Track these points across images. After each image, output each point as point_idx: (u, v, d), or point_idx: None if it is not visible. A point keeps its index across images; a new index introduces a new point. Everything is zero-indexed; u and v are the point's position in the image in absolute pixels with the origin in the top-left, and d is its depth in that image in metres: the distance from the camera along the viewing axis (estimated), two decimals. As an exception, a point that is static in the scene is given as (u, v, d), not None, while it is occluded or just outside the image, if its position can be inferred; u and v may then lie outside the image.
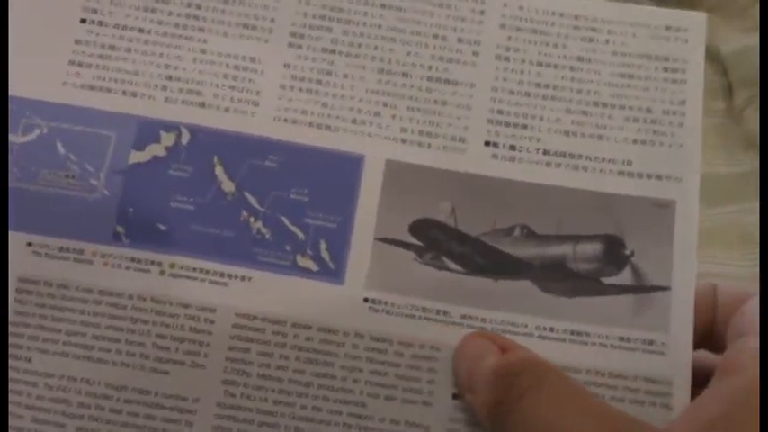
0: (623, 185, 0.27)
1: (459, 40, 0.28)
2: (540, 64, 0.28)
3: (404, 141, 0.27)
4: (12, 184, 0.26)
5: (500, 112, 0.28)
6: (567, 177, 0.27)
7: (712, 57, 0.47)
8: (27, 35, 0.28)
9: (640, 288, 0.25)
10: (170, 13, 0.28)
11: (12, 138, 0.26)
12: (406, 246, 0.27)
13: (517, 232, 0.27)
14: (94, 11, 0.28)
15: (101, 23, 0.28)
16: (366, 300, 0.26)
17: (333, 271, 0.26)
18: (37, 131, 0.26)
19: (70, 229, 0.26)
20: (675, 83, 0.28)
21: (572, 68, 0.28)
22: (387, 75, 0.28)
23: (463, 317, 0.26)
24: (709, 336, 0.25)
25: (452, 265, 0.27)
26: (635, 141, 0.27)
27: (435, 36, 0.28)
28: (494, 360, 0.24)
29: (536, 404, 0.22)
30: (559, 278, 0.26)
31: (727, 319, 0.24)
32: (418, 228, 0.27)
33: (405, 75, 0.28)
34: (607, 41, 0.28)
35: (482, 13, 0.29)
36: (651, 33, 0.28)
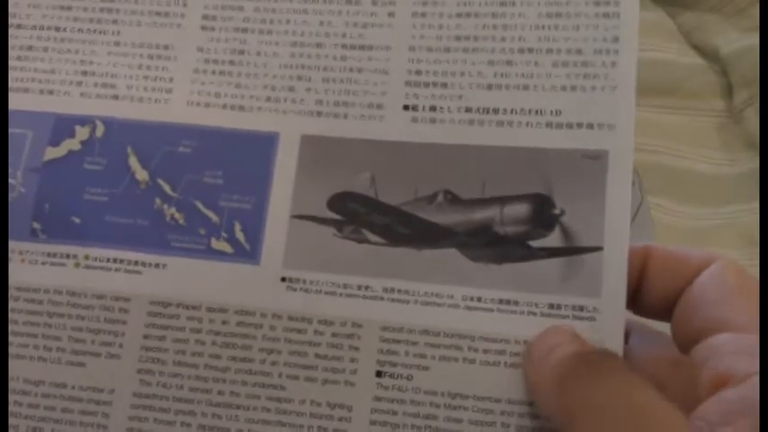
0: (552, 138, 0.27)
1: (374, 3, 0.29)
2: (459, 15, 0.29)
3: (319, 114, 0.28)
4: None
5: (418, 72, 0.28)
6: (491, 135, 0.27)
7: (712, 57, 0.49)
8: None
9: (570, 250, 0.26)
10: (85, 9, 0.31)
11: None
12: (324, 221, 0.28)
13: (440, 198, 0.27)
14: (12, 15, 0.31)
15: (18, 26, 0.31)
16: (283, 279, 0.27)
17: (248, 252, 0.27)
18: (-47, 135, 0.29)
19: None
20: (608, 17, 0.28)
21: (494, 15, 0.28)
22: (300, 47, 0.29)
23: (386, 290, 0.27)
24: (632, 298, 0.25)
25: (373, 238, 0.27)
26: (564, 88, 0.27)
27: (348, 2, 0.29)
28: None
29: None
30: (486, 244, 0.27)
31: (661, 284, 0.24)
32: (336, 201, 0.28)
33: (318, 45, 0.29)
34: None
35: None
36: None
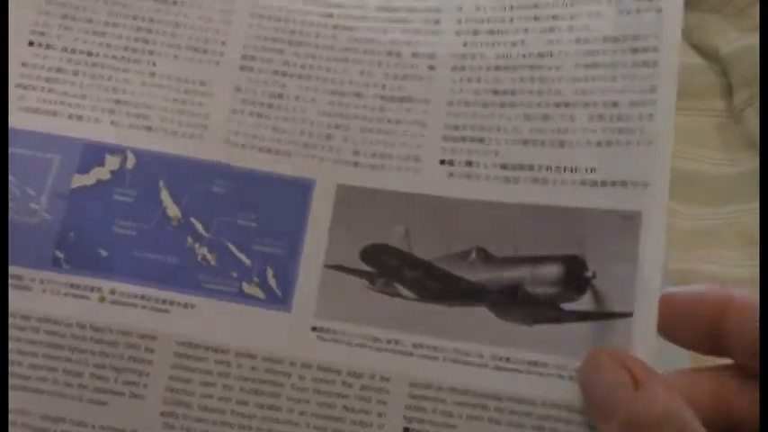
0: (586, 197, 0.28)
1: (414, 55, 0.30)
2: (497, 68, 0.30)
3: (356, 164, 0.29)
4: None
5: (455, 127, 0.29)
6: (526, 192, 0.28)
7: (712, 57, 0.49)
8: None
9: (601, 315, 0.26)
10: (119, 37, 0.31)
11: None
12: (357, 272, 0.28)
13: (473, 255, 0.28)
14: (42, 34, 0.31)
15: (48, 46, 0.30)
16: (314, 328, 0.27)
17: (280, 299, 0.28)
18: (-23, 155, 0.29)
19: (12, 254, 0.28)
20: (646, 66, 0.28)
21: (531, 67, 0.29)
22: (339, 96, 0.30)
23: (415, 346, 0.27)
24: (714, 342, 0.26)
25: (405, 292, 0.28)
26: (599, 144, 0.28)
27: (389, 53, 0.30)
28: (628, 400, 0.24)
29: None
30: (517, 304, 0.28)
31: (739, 328, 0.25)
32: (370, 253, 0.28)
33: (358, 95, 0.30)
34: (570, 28, 0.29)
35: (437, 22, 0.30)
36: (619, 8, 0.29)
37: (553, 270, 0.28)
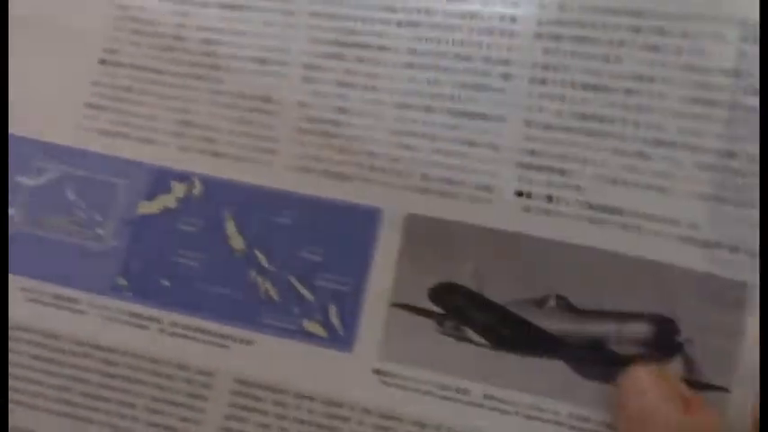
0: (684, 255, 0.24)
1: (487, 60, 0.26)
2: (585, 87, 0.25)
3: (425, 191, 0.27)
4: (15, 228, 0.29)
5: (533, 152, 0.26)
6: (613, 239, 0.25)
7: None
8: (44, 74, 0.30)
9: (692, 383, 0.23)
10: (186, 51, 0.29)
11: (22, 180, 0.30)
12: (426, 313, 0.26)
13: (551, 303, 0.25)
14: (113, 52, 0.30)
15: (118, 64, 0.30)
16: (376, 371, 0.26)
17: (342, 338, 0.27)
18: (47, 175, 0.30)
19: (68, 277, 0.29)
20: None
21: (628, 92, 0.25)
22: (406, 110, 0.27)
23: (485, 397, 0.26)
24: None
25: (475, 337, 0.26)
26: (706, 197, 0.24)
27: (458, 56, 0.26)
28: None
29: None
30: (598, 361, 0.25)
31: None
32: (439, 293, 0.26)
33: (427, 109, 0.27)
34: (679, 50, 0.25)
35: (513, 20, 0.26)
36: (744, 34, 0.24)
37: (641, 329, 0.24)
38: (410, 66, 0.27)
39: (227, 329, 0.28)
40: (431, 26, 0.27)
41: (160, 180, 0.29)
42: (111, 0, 0.30)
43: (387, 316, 0.27)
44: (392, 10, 0.28)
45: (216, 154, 0.29)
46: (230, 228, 0.28)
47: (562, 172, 0.25)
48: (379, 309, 0.27)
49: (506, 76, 0.26)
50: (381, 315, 0.27)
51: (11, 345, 0.28)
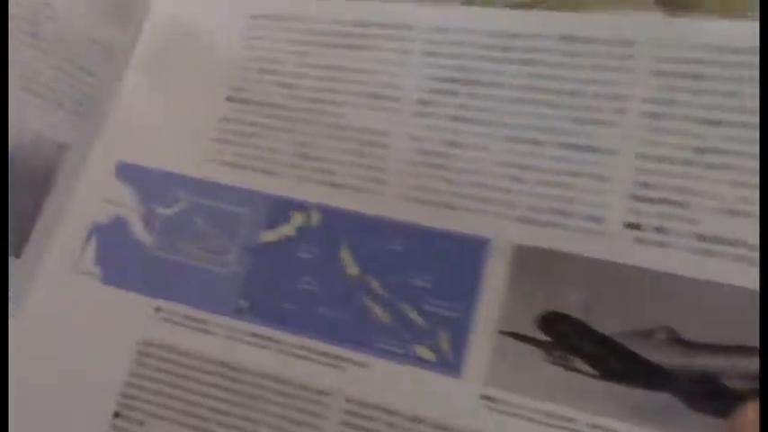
0: None
1: (600, 96, 0.27)
2: (702, 121, 0.25)
3: (533, 222, 0.28)
4: (151, 252, 0.32)
5: (646, 185, 0.26)
6: (727, 272, 0.25)
7: None
8: (177, 111, 0.33)
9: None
10: (306, 88, 0.31)
11: (158, 209, 0.32)
12: (533, 341, 0.27)
13: (661, 335, 0.25)
14: (240, 89, 0.32)
15: (244, 101, 0.32)
16: (484, 397, 0.27)
17: (451, 363, 0.28)
18: (180, 205, 0.32)
19: (198, 299, 0.31)
20: None
21: (745, 126, 0.25)
22: (515, 143, 0.28)
23: (592, 426, 0.26)
24: None
25: (583, 367, 0.26)
26: None
27: (571, 93, 0.27)
28: None
29: None
30: (709, 395, 0.24)
31: None
32: (547, 322, 0.27)
33: (535, 142, 0.27)
34: None
35: (630, 57, 0.26)
36: None
37: (756, 364, 0.24)
38: (521, 101, 0.28)
39: (343, 352, 0.29)
40: (544, 64, 0.28)
41: (281, 210, 0.31)
42: (240, 41, 0.33)
43: (495, 343, 0.27)
44: (506, 49, 0.29)
45: (333, 185, 0.31)
46: (345, 255, 0.30)
47: (676, 204, 0.26)
48: (488, 336, 0.28)
49: (620, 111, 0.27)
50: (489, 342, 0.27)
51: (143, 360, 0.30)
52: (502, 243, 0.28)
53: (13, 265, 0.32)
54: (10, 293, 0.31)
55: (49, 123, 0.33)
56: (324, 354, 0.29)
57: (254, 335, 0.30)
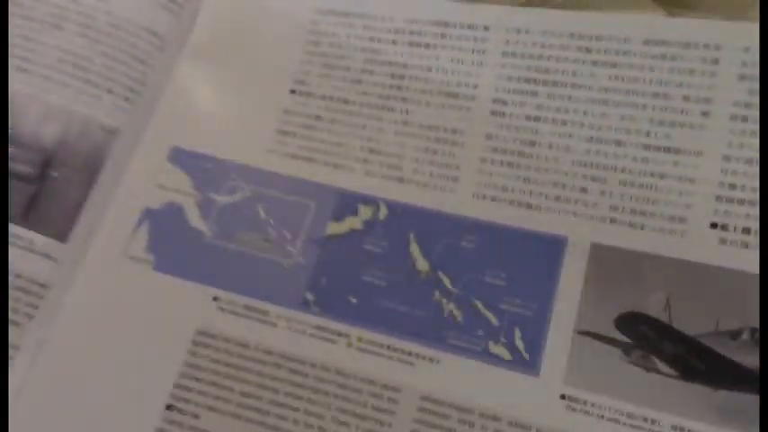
0: None
1: (686, 98, 0.27)
2: (789, 127, 0.26)
3: (613, 221, 0.27)
4: (207, 240, 0.31)
5: (732, 186, 0.26)
6: None
7: None
8: (240, 102, 0.33)
9: None
10: (375, 84, 0.31)
11: (214, 196, 0.31)
12: (612, 341, 0.27)
13: (745, 336, 0.25)
14: (303, 82, 0.32)
15: (309, 94, 0.32)
16: (563, 396, 0.27)
17: (527, 362, 0.27)
18: (240, 194, 0.31)
19: (259, 289, 0.30)
20: None
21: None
22: (596, 143, 0.28)
23: (675, 428, 0.26)
24: None
25: (664, 368, 0.26)
26: None
27: (656, 95, 0.28)
28: None
29: None
30: (799, 396, 0.24)
31: None
32: (626, 322, 0.27)
33: (618, 143, 0.28)
34: None
35: (715, 62, 0.27)
36: None
37: None
38: (603, 102, 0.29)
39: (413, 347, 0.28)
40: (628, 66, 0.29)
41: (347, 203, 0.31)
42: (304, 35, 0.33)
43: (572, 342, 0.27)
44: (587, 50, 0.29)
45: (401, 180, 0.30)
46: (414, 250, 0.29)
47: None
48: (564, 335, 0.27)
49: (706, 114, 0.27)
50: (566, 341, 0.27)
51: (199, 350, 0.29)
52: (580, 242, 0.28)
53: (60, 250, 0.30)
54: (56, 278, 0.30)
55: (99, 109, 0.32)
56: (392, 348, 0.28)
57: (320, 327, 0.29)
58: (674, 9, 0.52)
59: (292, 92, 0.33)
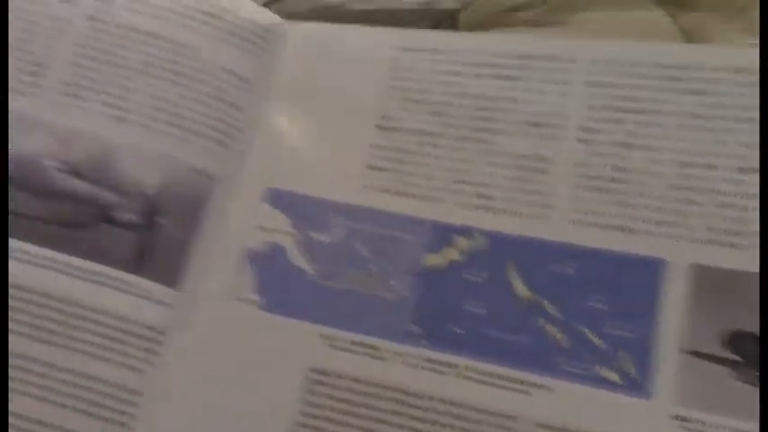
0: None
1: None
2: None
3: (710, 242, 0.28)
4: (310, 278, 0.32)
5: (829, 206, 0.27)
6: None
7: None
8: (328, 140, 0.34)
9: None
10: (461, 116, 0.32)
11: (313, 235, 0.32)
12: (721, 360, 0.28)
13: None
14: (389, 117, 0.33)
15: (395, 129, 0.33)
16: (676, 417, 0.27)
17: (637, 384, 0.28)
18: (337, 231, 0.32)
19: (365, 325, 0.31)
20: None
21: None
22: (689, 168, 0.29)
23: (790, 443, 0.26)
24: None
25: (775, 384, 0.27)
26: None
27: (738, 119, 0.28)
28: None
29: None
30: None
31: None
32: (734, 341, 0.28)
33: (710, 167, 0.29)
34: None
35: None
36: None
37: None
38: (693, 128, 0.30)
39: (524, 375, 0.29)
40: (718, 95, 0.30)
41: (442, 234, 0.31)
42: (387, 72, 0.34)
43: (680, 362, 0.28)
44: (676, 79, 0.30)
45: (494, 210, 0.31)
46: (514, 278, 0.30)
47: None
48: (672, 355, 0.28)
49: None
50: (674, 362, 0.28)
51: (314, 388, 0.30)
52: (679, 264, 0.29)
53: (172, 296, 0.31)
54: (171, 323, 0.31)
55: (195, 154, 0.33)
56: (504, 378, 0.29)
57: (429, 360, 0.30)
58: (674, 9, 0.53)
59: (379, 127, 0.33)
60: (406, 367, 0.30)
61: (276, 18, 0.37)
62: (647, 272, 0.29)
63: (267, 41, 0.36)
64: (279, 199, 0.33)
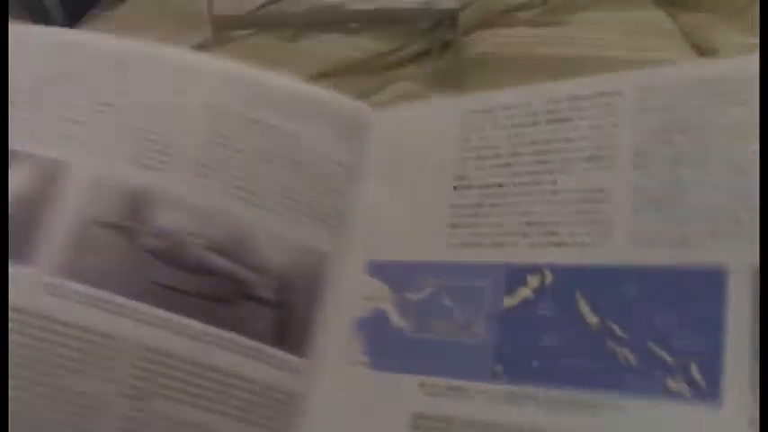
0: None
1: None
2: None
3: (770, 243, 0.27)
4: (407, 334, 0.35)
5: None
6: None
7: (712, 57, 0.48)
8: (414, 208, 0.38)
9: None
10: (522, 164, 0.35)
11: (408, 296, 0.36)
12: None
13: None
14: (463, 177, 0.37)
15: (469, 187, 0.36)
16: (753, 422, 0.27)
17: (707, 393, 0.28)
18: (427, 289, 0.36)
19: (455, 370, 0.34)
20: None
21: None
22: (742, 176, 0.29)
23: None
24: None
25: None
26: None
27: None
28: None
29: None
30: None
31: None
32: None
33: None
34: None
35: None
36: None
37: None
38: (742, 138, 0.30)
39: (597, 398, 0.30)
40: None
41: (516, 276, 0.34)
42: (457, 136, 0.38)
43: (750, 370, 0.27)
44: (721, 95, 0.31)
45: (560, 244, 0.33)
46: (583, 306, 0.32)
47: None
48: (741, 363, 0.28)
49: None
50: (744, 368, 0.27)
51: None
52: (742, 268, 0.28)
53: (302, 364, 0.36)
54: (302, 389, 0.36)
55: (312, 235, 0.39)
56: (578, 402, 0.30)
57: (511, 395, 0.32)
58: (675, 9, 0.49)
59: (455, 188, 0.37)
60: (491, 404, 0.32)
61: (364, 106, 0.42)
62: (711, 281, 0.29)
63: (358, 128, 0.41)
64: (378, 269, 0.38)
